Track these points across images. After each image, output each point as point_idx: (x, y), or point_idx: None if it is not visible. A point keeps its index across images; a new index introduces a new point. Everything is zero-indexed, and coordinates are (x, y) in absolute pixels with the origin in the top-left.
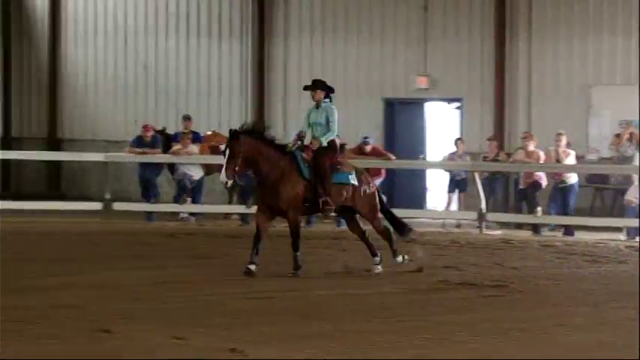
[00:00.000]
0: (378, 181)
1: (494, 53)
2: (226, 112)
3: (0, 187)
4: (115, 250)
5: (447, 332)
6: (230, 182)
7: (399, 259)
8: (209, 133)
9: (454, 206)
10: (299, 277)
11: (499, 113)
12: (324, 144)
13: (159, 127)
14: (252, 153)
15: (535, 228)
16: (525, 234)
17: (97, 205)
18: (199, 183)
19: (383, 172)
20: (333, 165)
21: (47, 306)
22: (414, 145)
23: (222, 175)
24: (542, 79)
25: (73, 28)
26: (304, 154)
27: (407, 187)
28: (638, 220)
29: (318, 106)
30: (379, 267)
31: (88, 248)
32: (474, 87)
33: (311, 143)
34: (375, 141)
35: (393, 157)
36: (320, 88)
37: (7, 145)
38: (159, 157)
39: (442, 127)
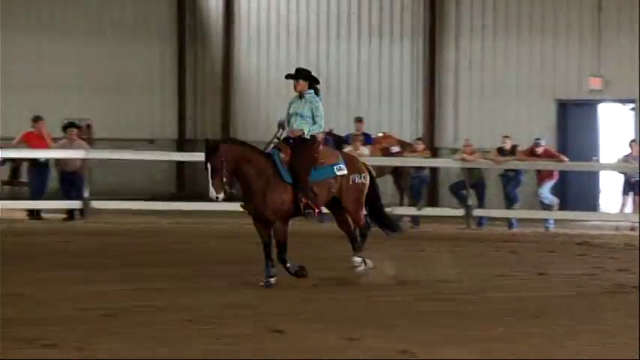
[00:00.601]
0: (550, 183)
1: None
2: (397, 114)
3: (176, 188)
4: None
5: (622, 336)
6: (221, 196)
7: (358, 259)
8: (380, 135)
9: (628, 209)
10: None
11: None
12: (307, 137)
13: (328, 129)
14: (236, 159)
15: None
16: None
17: None
18: None
19: (555, 174)
20: (311, 163)
21: (220, 306)
22: (587, 147)
23: (212, 192)
24: None
25: (247, 31)
26: (282, 155)
27: (580, 190)
28: None
29: (301, 97)
30: (360, 267)
31: (258, 249)
32: None
33: (291, 132)
34: (548, 143)
35: (566, 159)
36: (302, 77)
37: (182, 147)
38: None
39: (616, 129)
